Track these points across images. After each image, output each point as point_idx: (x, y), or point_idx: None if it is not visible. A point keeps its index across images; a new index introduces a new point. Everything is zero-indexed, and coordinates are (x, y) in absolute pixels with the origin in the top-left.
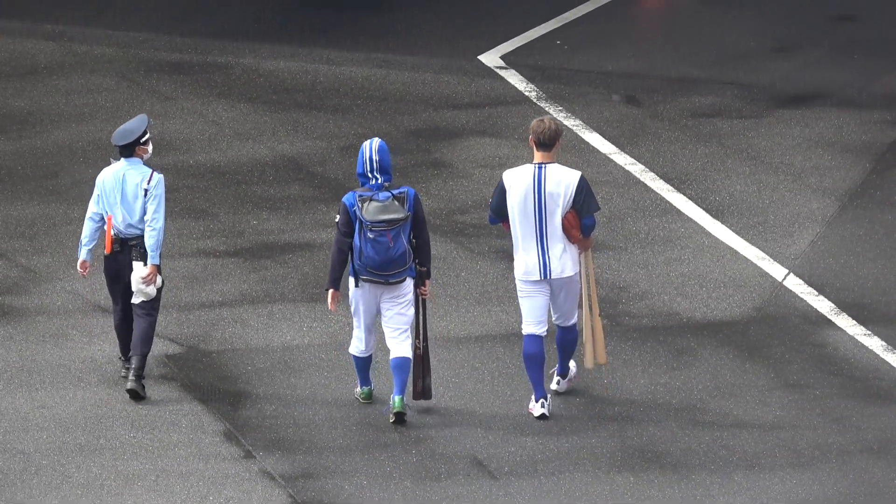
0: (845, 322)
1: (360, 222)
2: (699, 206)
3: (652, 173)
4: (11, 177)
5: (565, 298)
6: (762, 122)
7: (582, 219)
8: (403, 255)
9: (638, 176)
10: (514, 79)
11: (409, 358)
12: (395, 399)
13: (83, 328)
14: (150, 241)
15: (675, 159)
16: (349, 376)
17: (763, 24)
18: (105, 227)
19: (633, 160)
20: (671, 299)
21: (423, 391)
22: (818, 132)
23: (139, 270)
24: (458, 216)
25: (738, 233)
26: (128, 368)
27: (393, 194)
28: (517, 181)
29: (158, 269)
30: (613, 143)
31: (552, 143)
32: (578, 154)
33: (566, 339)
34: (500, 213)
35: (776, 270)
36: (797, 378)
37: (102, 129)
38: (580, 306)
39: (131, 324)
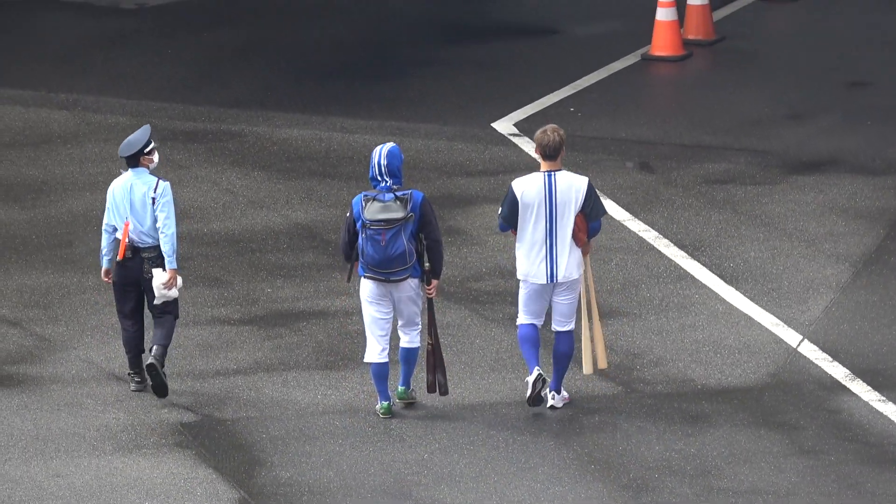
0: (860, 388)
1: (362, 221)
2: (713, 272)
3: (666, 240)
4: (26, 245)
5: (566, 300)
6: (776, 189)
7: (590, 223)
8: (403, 255)
9: (652, 242)
10: (528, 146)
11: (415, 348)
12: (399, 389)
13: (98, 396)
14: (165, 248)
15: (688, 226)
16: (364, 443)
17: (776, 91)
18: (119, 236)
19: (646, 227)
20: (686, 366)
21: (436, 386)
22: (832, 198)
23: (159, 276)
24: (471, 283)
25: (752, 299)
26: (137, 381)
27: (397, 196)
28: (528, 189)
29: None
30: (627, 209)
31: (557, 154)
32: None
33: (563, 349)
34: (511, 221)
35: (791, 336)
36: (812, 444)
37: None
38: (579, 311)
39: (140, 338)
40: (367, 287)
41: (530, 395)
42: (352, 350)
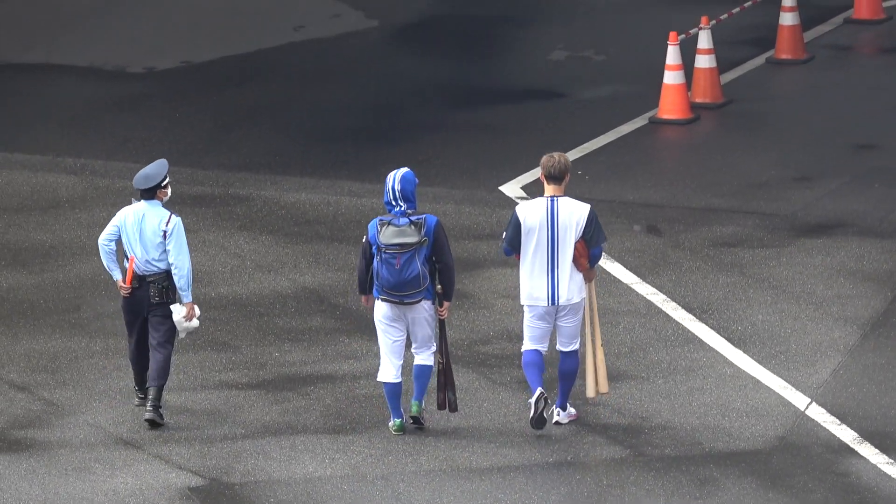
0: (868, 451)
1: (377, 245)
2: (721, 335)
3: (673, 303)
4: (34, 310)
5: (569, 323)
6: (784, 252)
7: (590, 249)
8: (417, 278)
9: (660, 306)
10: None
11: (429, 366)
12: (413, 403)
13: (106, 461)
14: (180, 283)
15: (696, 289)
16: None
17: (784, 154)
18: (126, 262)
19: (654, 290)
20: (694, 429)
21: (446, 403)
22: (840, 261)
23: (178, 311)
24: (480, 346)
25: (760, 362)
26: (141, 398)
27: (411, 220)
28: (531, 213)
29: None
30: (635, 272)
31: (562, 176)
32: (600, 284)
33: (568, 368)
34: (514, 245)
35: (798, 399)
36: None
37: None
38: (582, 334)
39: (145, 354)
40: (381, 309)
41: (533, 415)
42: (359, 414)
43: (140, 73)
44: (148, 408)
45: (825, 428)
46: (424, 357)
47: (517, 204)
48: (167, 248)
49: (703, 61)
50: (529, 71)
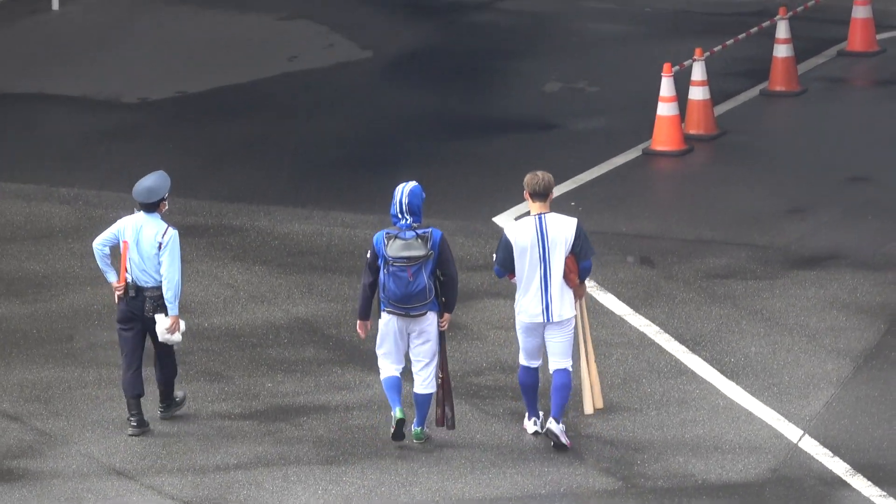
0: (861, 483)
1: (384, 258)
2: (714, 367)
3: (666, 335)
4: (27, 340)
5: (562, 338)
6: (777, 284)
7: (580, 262)
8: (424, 291)
9: (652, 337)
10: None
11: (429, 394)
12: (415, 430)
13: (98, 492)
14: (168, 294)
15: (689, 321)
16: None
17: (777, 186)
18: (121, 258)
19: (647, 321)
20: (686, 461)
21: (443, 420)
22: (833, 293)
23: (162, 322)
24: (472, 378)
25: (753, 394)
26: (135, 426)
27: (417, 234)
28: (521, 234)
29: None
30: (628, 304)
31: (547, 192)
32: (593, 315)
33: (560, 382)
34: (506, 267)
35: (791, 431)
36: None
37: None
38: (574, 355)
39: (139, 382)
40: (386, 321)
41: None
42: (352, 444)
43: (134, 104)
44: (160, 406)
45: (818, 460)
46: (425, 382)
47: (504, 227)
48: (160, 259)
49: (697, 93)
50: (523, 102)
